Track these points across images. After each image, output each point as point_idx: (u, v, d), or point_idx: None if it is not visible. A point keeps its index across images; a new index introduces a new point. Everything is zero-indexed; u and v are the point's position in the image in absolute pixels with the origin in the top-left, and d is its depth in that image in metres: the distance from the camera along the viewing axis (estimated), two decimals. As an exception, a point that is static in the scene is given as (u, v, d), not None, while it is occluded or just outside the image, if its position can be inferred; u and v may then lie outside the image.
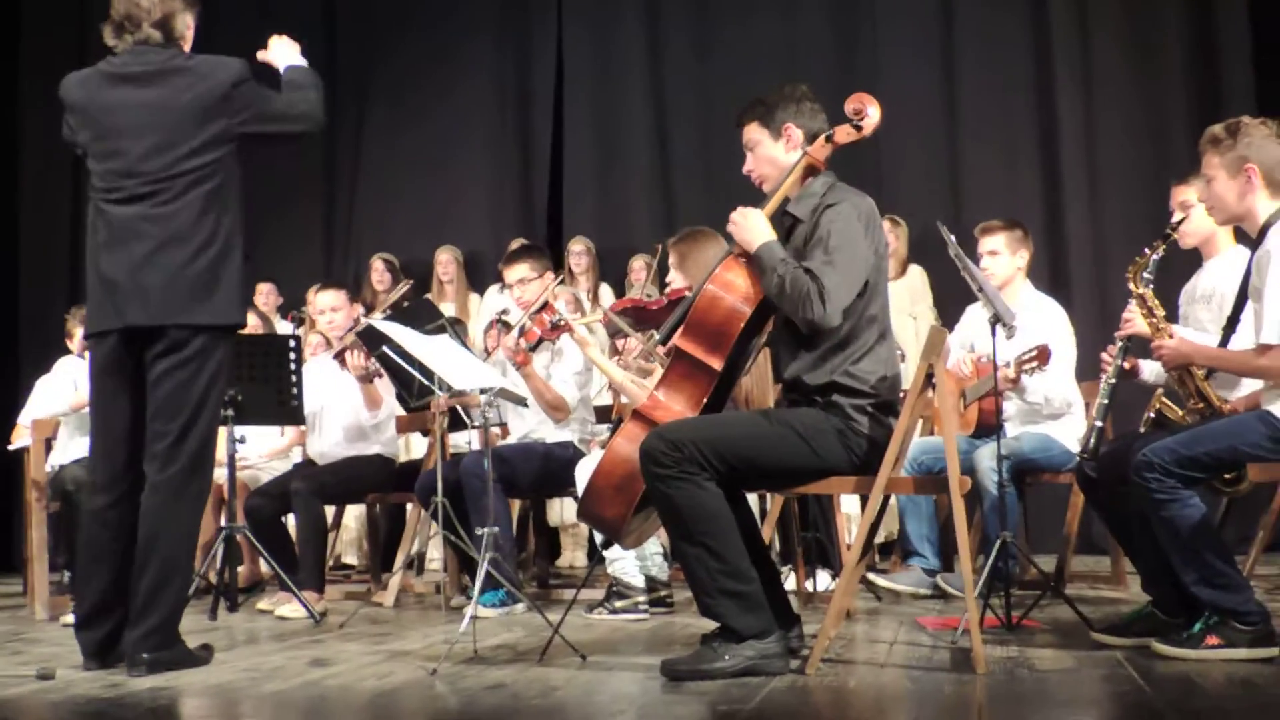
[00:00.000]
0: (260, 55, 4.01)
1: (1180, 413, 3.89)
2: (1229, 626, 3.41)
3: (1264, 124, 3.62)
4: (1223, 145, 3.62)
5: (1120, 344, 3.99)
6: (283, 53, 4.01)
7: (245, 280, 3.86)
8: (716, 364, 3.50)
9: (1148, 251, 3.92)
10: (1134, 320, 3.91)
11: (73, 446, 5.80)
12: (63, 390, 6.01)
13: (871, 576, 5.24)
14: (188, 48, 3.84)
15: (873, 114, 3.59)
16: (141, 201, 3.68)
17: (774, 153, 3.63)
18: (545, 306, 5.23)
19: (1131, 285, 3.90)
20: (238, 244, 3.78)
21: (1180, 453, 3.44)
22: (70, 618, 3.90)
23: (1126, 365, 4.08)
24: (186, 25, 3.83)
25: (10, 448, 6.40)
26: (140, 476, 3.70)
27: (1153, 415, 3.98)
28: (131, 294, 3.65)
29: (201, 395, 3.70)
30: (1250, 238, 3.74)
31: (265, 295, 7.98)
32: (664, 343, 3.75)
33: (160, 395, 3.68)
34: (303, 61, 3.98)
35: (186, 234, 3.68)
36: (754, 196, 3.69)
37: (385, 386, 5.66)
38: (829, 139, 3.58)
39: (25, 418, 6.05)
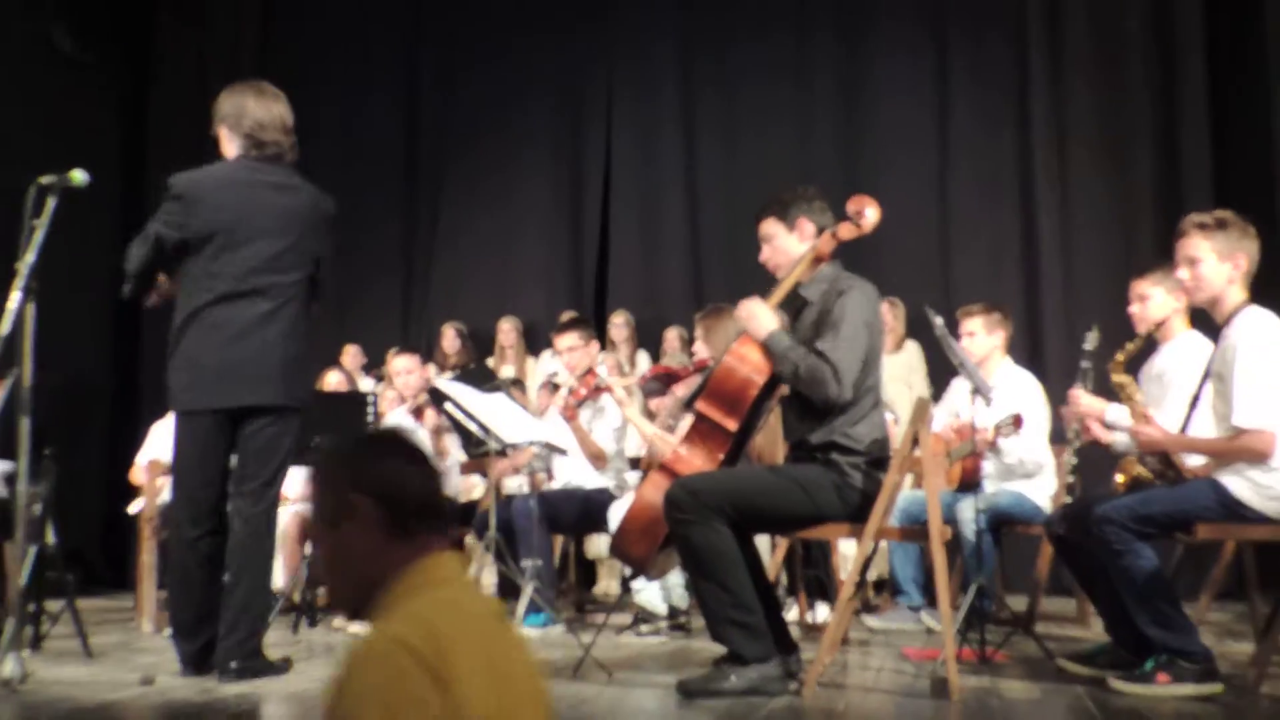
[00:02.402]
0: None
1: (1149, 475, 3.82)
2: (1177, 665, 3.36)
3: (1247, 225, 3.51)
4: (1213, 233, 3.49)
5: (1074, 427, 4.10)
6: None
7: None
8: (732, 425, 3.52)
9: (1129, 346, 3.86)
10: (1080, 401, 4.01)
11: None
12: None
13: (865, 618, 5.20)
14: None
15: (871, 214, 3.60)
16: (262, 298, 3.75)
17: (787, 244, 3.65)
18: (590, 371, 5.28)
19: (1115, 377, 3.82)
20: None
21: (1137, 511, 3.41)
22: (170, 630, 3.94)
23: (1095, 441, 4.14)
24: None
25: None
26: (224, 514, 3.77)
27: (1122, 478, 3.94)
28: (249, 379, 3.74)
29: (288, 448, 3.83)
30: (1205, 324, 3.69)
31: (351, 356, 8.02)
32: (688, 406, 3.77)
33: (257, 445, 3.78)
34: None
35: (292, 331, 3.81)
36: (772, 277, 3.70)
37: (453, 438, 5.69)
38: (834, 234, 3.60)
39: (143, 458, 6.11)
